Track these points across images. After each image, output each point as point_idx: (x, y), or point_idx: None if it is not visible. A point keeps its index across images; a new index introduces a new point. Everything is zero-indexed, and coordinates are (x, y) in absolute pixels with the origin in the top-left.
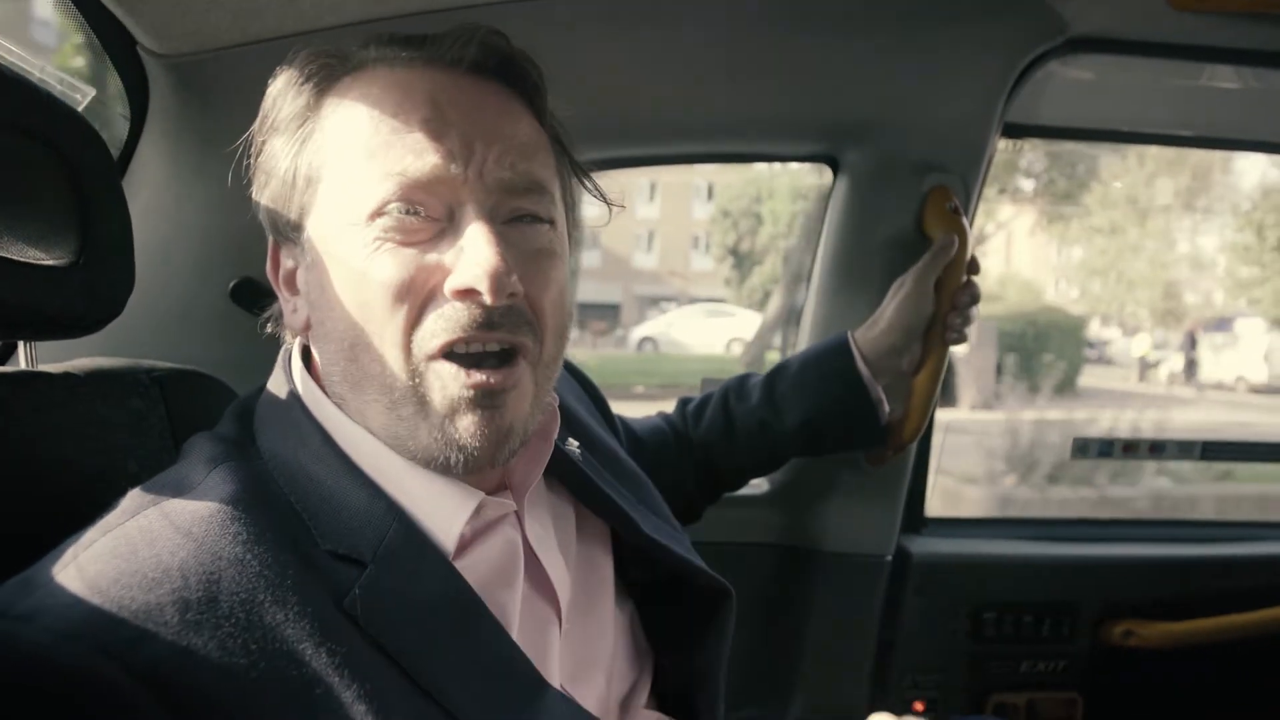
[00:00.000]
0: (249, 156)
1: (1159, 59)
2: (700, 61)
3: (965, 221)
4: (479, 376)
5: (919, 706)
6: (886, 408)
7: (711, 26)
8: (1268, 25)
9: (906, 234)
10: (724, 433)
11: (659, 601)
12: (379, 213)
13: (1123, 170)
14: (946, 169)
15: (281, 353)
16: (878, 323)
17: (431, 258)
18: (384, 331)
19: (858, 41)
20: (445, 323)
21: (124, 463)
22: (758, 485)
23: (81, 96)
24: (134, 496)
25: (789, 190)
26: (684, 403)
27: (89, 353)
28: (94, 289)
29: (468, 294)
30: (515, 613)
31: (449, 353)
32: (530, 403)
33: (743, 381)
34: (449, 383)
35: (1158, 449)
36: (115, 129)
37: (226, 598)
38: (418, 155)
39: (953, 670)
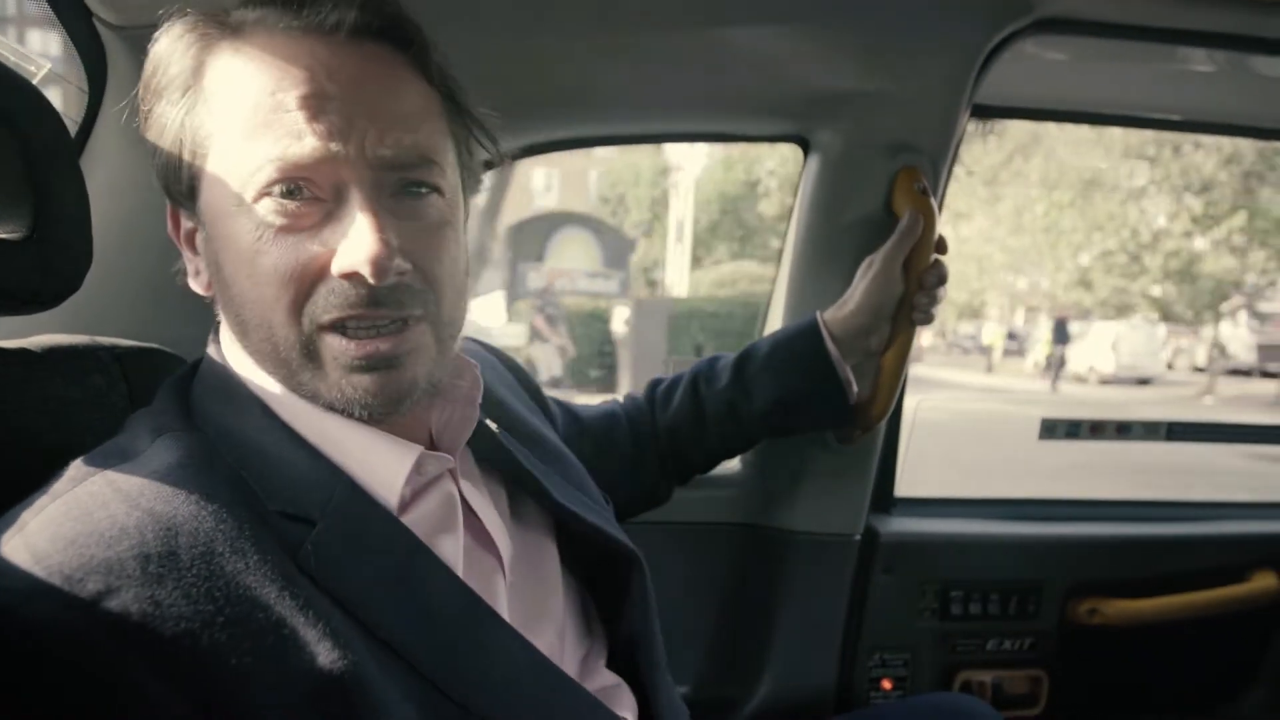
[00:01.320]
0: (136, 119)
1: (1127, 40)
2: (669, 39)
3: (933, 202)
4: (370, 346)
5: (887, 685)
6: (855, 388)
7: (681, 2)
8: (1235, 9)
9: (876, 214)
10: (693, 415)
11: (599, 577)
12: (261, 195)
13: (982, 153)
14: (916, 149)
15: (212, 327)
16: (846, 304)
17: (316, 244)
18: (273, 312)
19: (828, 21)
20: (334, 299)
21: (83, 439)
22: (728, 465)
23: (36, 69)
24: (79, 465)
25: (650, 175)
26: (653, 385)
27: (49, 330)
28: (49, 263)
29: (352, 276)
30: (459, 558)
31: (339, 326)
32: (432, 356)
33: (712, 364)
34: (339, 354)
35: (1124, 429)
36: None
37: (185, 551)
38: (298, 137)
39: (920, 649)
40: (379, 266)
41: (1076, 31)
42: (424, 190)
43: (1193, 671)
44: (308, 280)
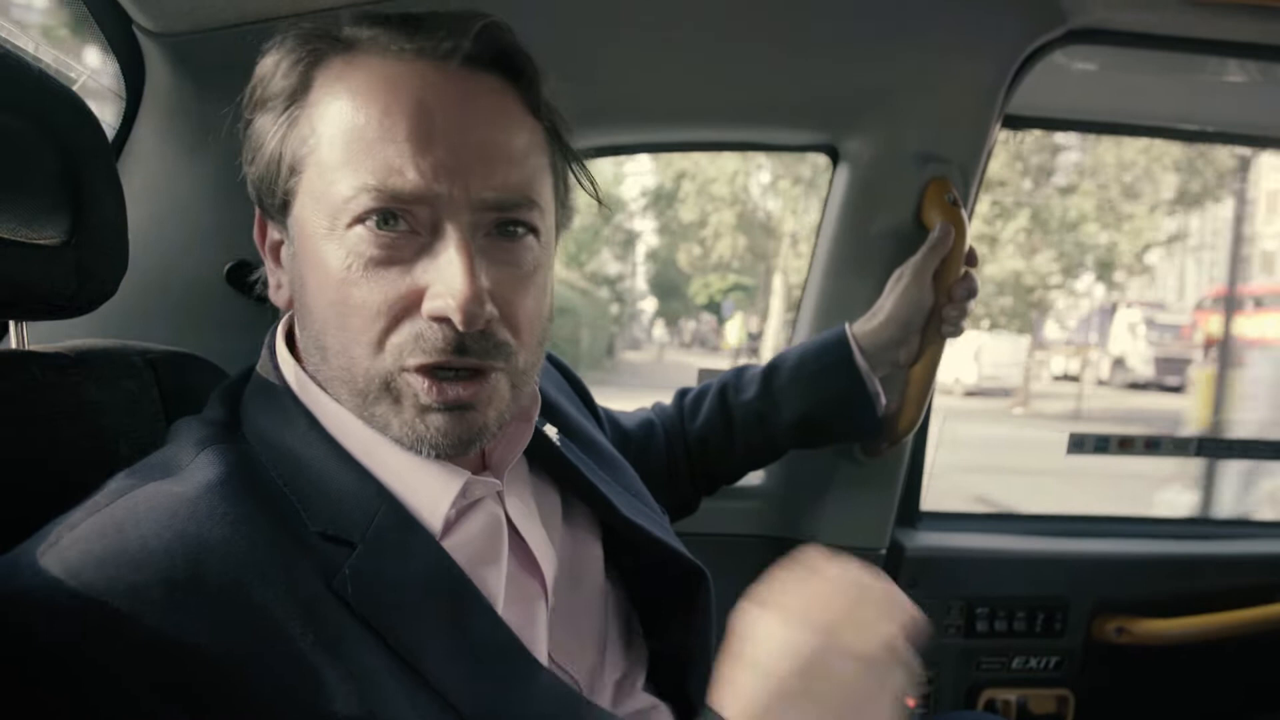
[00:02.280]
0: (238, 126)
1: (1160, 51)
2: (700, 47)
3: (964, 213)
4: (449, 392)
5: (910, 702)
6: (884, 400)
7: (711, 11)
8: (1267, 19)
9: (905, 225)
10: (722, 426)
11: (648, 589)
12: (357, 221)
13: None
14: (946, 160)
15: (268, 335)
16: (876, 315)
17: (408, 280)
18: (357, 344)
19: (859, 30)
20: (419, 344)
21: (115, 444)
22: (753, 478)
23: (76, 75)
24: (121, 478)
25: None
26: (681, 394)
27: (83, 335)
28: (86, 269)
29: (442, 319)
30: (501, 588)
31: (423, 369)
32: (506, 404)
33: (740, 374)
34: (420, 393)
35: (1153, 445)
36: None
37: (213, 578)
38: (401, 171)
39: (945, 666)
40: (469, 314)
41: (1108, 42)
42: (521, 231)
43: (1222, 693)
44: (397, 314)
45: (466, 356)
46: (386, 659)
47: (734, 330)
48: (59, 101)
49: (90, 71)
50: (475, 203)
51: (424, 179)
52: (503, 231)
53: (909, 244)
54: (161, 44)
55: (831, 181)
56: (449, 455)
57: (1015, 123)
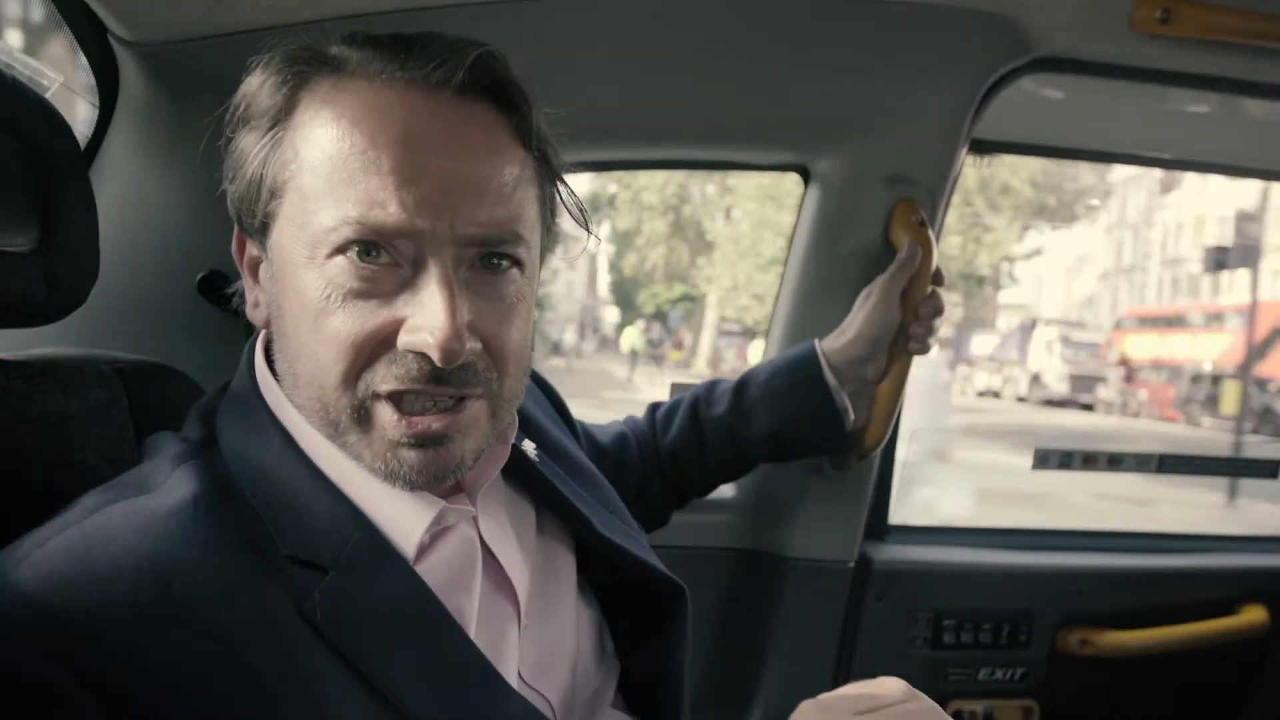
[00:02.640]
0: (219, 141)
1: (1122, 81)
2: (675, 68)
3: (931, 234)
4: (421, 424)
5: None
6: (852, 415)
7: (686, 34)
8: (1226, 52)
9: (874, 244)
10: (693, 439)
11: (621, 603)
12: (338, 252)
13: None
14: (914, 182)
15: (245, 351)
16: (845, 332)
17: (386, 312)
18: (329, 374)
19: (830, 55)
20: (395, 370)
21: (82, 454)
22: (723, 491)
23: (49, 82)
24: (95, 494)
25: None
26: (653, 409)
27: (52, 344)
28: (56, 277)
29: (419, 354)
30: (474, 613)
31: (394, 397)
32: (484, 432)
33: (711, 388)
34: (389, 429)
35: (1116, 461)
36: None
37: (179, 600)
38: (384, 205)
39: (912, 677)
40: (447, 351)
41: (1073, 70)
42: (505, 264)
43: (1182, 703)
44: (372, 346)
45: (443, 385)
46: (353, 685)
47: (628, 338)
48: (30, 109)
49: (63, 80)
50: (459, 238)
51: (407, 214)
52: (486, 265)
53: (877, 263)
54: (137, 53)
55: (803, 201)
56: (422, 486)
57: (982, 147)
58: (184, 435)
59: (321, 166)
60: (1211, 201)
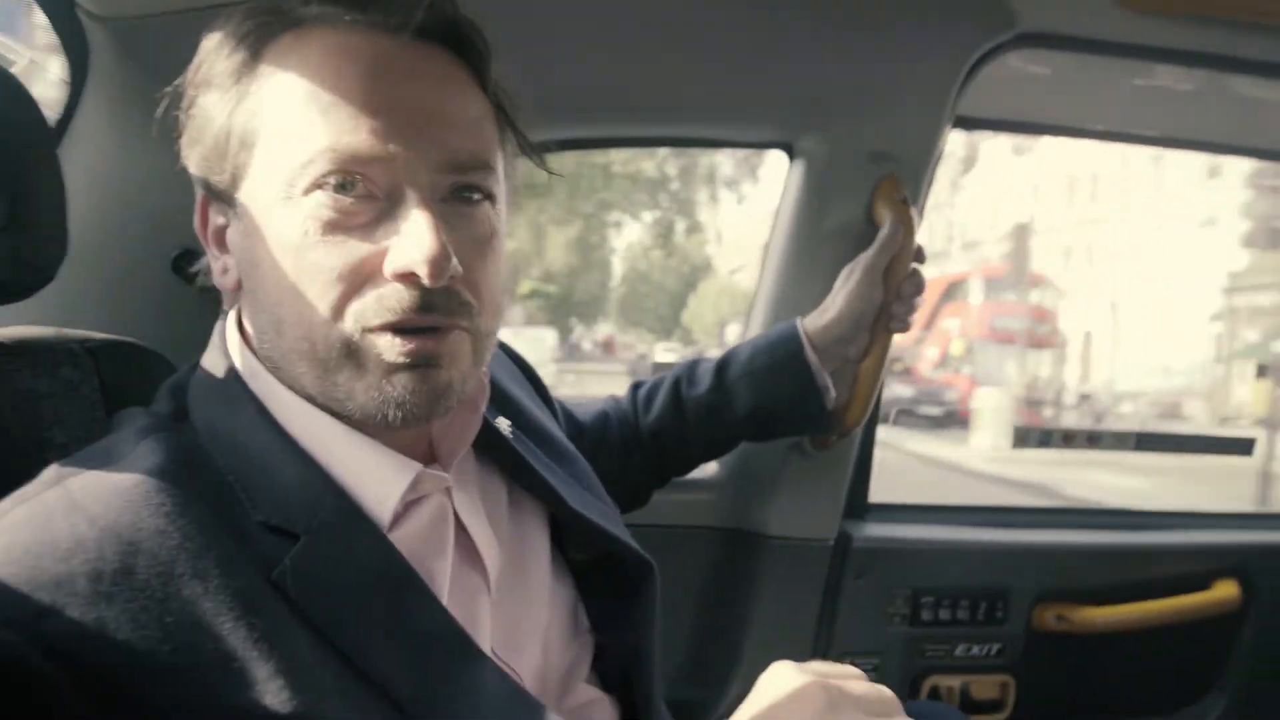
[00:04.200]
0: (178, 109)
1: (1107, 57)
2: (658, 43)
3: (914, 212)
4: (414, 344)
5: None
6: (833, 394)
7: (667, 7)
8: (1212, 28)
9: (857, 222)
10: (674, 419)
11: (596, 581)
12: (314, 187)
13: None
14: (897, 159)
15: (217, 324)
16: (827, 311)
17: (368, 245)
18: (315, 310)
19: (814, 29)
20: (386, 302)
21: (51, 433)
22: (704, 470)
23: (16, 57)
24: (57, 466)
25: None
26: (635, 387)
27: (19, 322)
28: (20, 255)
29: (407, 277)
30: (446, 581)
31: (386, 329)
32: (468, 365)
33: (693, 367)
34: (385, 350)
35: (1095, 439)
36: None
37: (143, 570)
38: (355, 130)
39: (890, 654)
40: (436, 267)
41: (1058, 46)
42: (477, 197)
43: (1156, 677)
44: (357, 280)
45: (431, 314)
46: (324, 653)
47: None
48: None
49: (32, 55)
50: (432, 164)
51: (379, 139)
52: (459, 196)
53: (860, 241)
54: (107, 28)
55: (787, 178)
56: (416, 417)
57: (966, 124)
58: (152, 410)
59: (292, 106)
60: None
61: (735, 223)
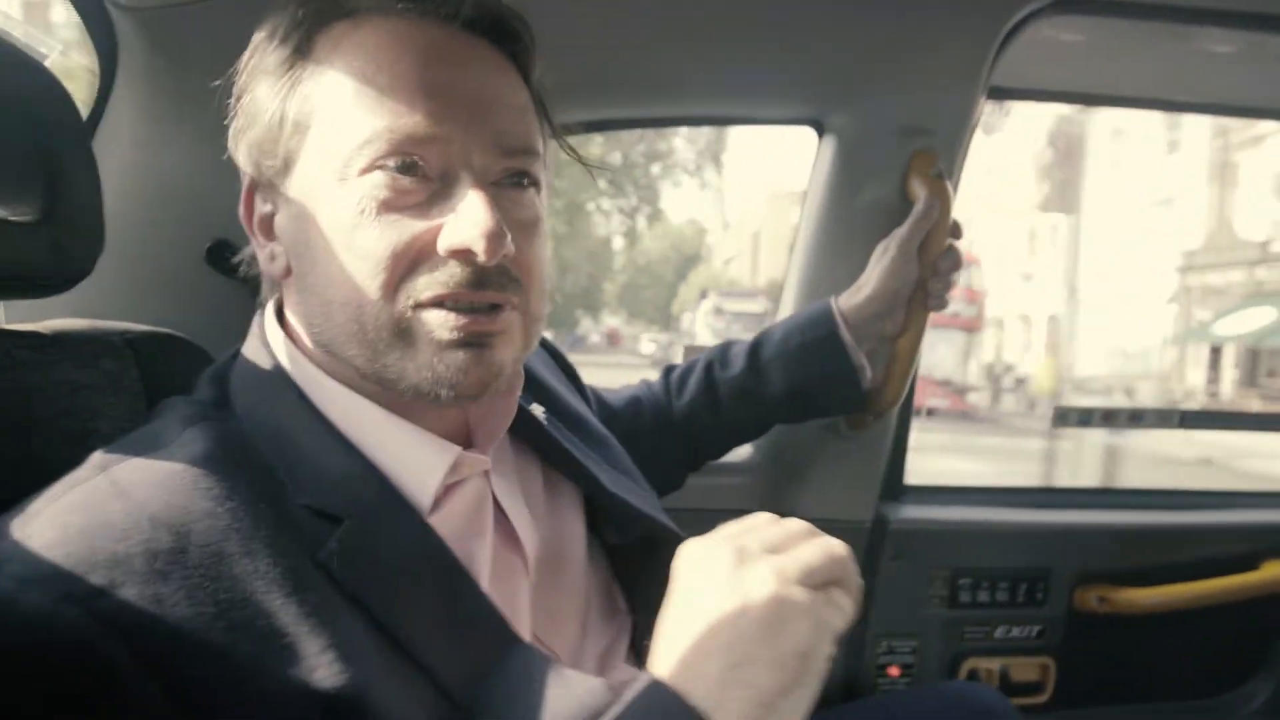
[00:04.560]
0: (229, 99)
1: (1145, 20)
2: (686, 22)
3: (949, 186)
4: (468, 320)
5: (894, 672)
6: (869, 373)
7: None
8: None
9: (890, 198)
10: (708, 402)
11: (633, 563)
12: (371, 168)
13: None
14: (931, 132)
15: (256, 313)
16: (861, 289)
17: (422, 223)
18: (367, 290)
19: (844, 4)
20: (438, 277)
21: (95, 424)
22: (738, 453)
23: (48, 50)
24: (103, 454)
25: None
26: (668, 371)
27: (61, 315)
28: (61, 247)
29: (462, 253)
30: (486, 565)
31: (438, 303)
32: (519, 346)
33: (726, 350)
34: (437, 327)
35: (1137, 418)
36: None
37: (195, 549)
38: (412, 112)
39: (928, 636)
40: (493, 242)
41: (1094, 11)
42: (526, 182)
43: (1200, 659)
44: (411, 258)
45: (485, 290)
46: (370, 632)
47: None
48: (30, 78)
49: (63, 46)
50: (484, 147)
51: (435, 121)
52: (509, 181)
53: (894, 217)
54: (135, 18)
55: (816, 156)
56: (466, 396)
57: (1001, 94)
58: (195, 398)
59: (348, 90)
60: None
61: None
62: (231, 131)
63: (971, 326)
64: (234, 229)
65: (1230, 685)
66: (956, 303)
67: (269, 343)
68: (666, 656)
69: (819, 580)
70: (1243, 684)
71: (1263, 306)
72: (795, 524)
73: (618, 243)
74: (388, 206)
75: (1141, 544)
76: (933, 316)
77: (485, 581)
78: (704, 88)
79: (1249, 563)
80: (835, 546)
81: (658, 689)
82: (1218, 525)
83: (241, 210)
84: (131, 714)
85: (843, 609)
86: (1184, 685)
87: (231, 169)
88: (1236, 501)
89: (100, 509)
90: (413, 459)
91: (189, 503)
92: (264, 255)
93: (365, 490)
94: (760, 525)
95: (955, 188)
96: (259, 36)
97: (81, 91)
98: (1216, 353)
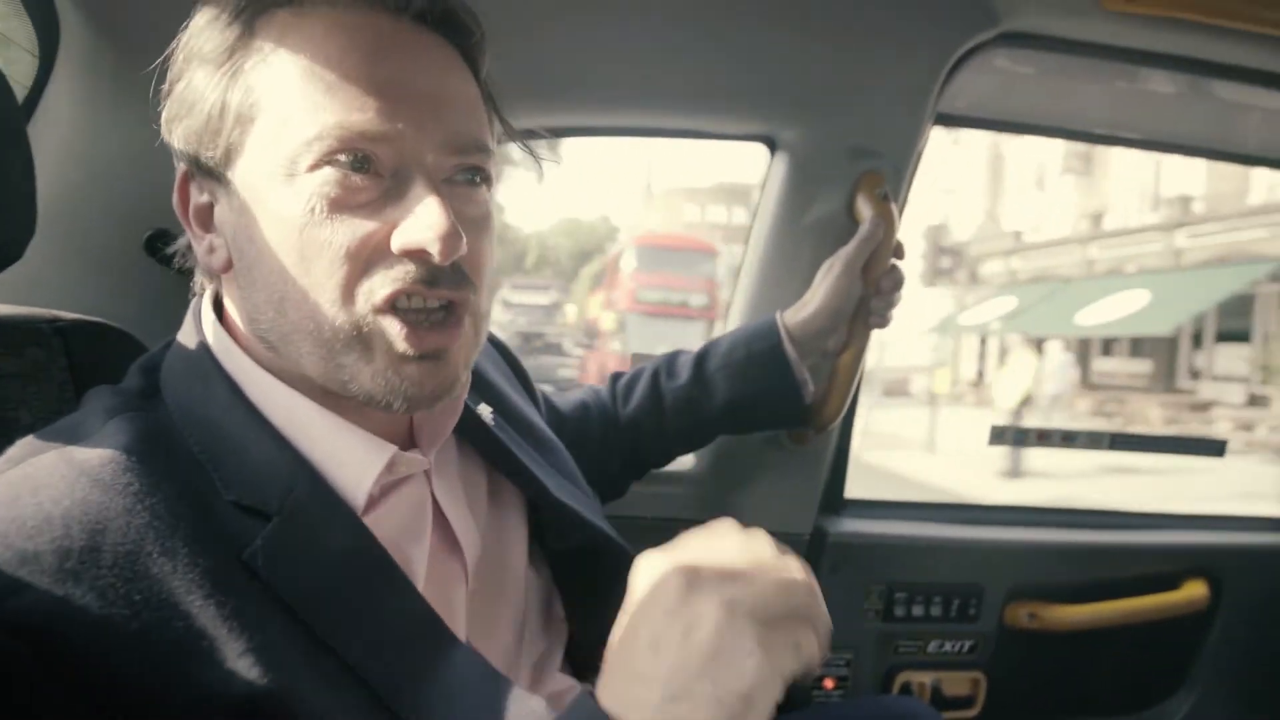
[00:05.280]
0: (162, 84)
1: (1089, 58)
2: (638, 31)
3: (894, 208)
4: (426, 340)
5: (829, 684)
6: (811, 388)
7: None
8: (1194, 33)
9: (837, 217)
10: (653, 410)
11: (572, 570)
12: (320, 164)
13: None
14: (879, 155)
15: (192, 304)
16: (806, 305)
17: (375, 222)
18: (324, 289)
19: (799, 22)
20: (391, 275)
21: (17, 413)
22: (681, 463)
23: None
24: (23, 444)
25: None
26: (615, 378)
27: None
28: None
29: (416, 253)
30: (422, 568)
31: (394, 306)
32: (471, 350)
33: (673, 359)
34: (395, 341)
35: (1069, 438)
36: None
37: (110, 548)
38: (363, 109)
39: (863, 649)
40: (448, 244)
41: (1040, 46)
42: (478, 179)
43: (1126, 675)
44: (365, 257)
45: (438, 287)
46: (296, 633)
47: None
48: None
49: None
50: (438, 145)
51: (387, 118)
52: (462, 179)
53: (840, 236)
54: (77, 3)
55: (768, 172)
56: (419, 406)
57: (948, 121)
58: (121, 388)
59: (295, 83)
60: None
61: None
62: (164, 118)
63: (707, 315)
64: (175, 219)
65: (1154, 700)
66: (694, 293)
67: (204, 333)
68: (610, 678)
69: (775, 615)
70: (1165, 699)
71: (1006, 297)
72: (761, 545)
73: None
74: (339, 205)
75: (1070, 562)
76: (668, 308)
77: (421, 585)
78: (657, 100)
79: (1171, 581)
80: (798, 578)
81: (589, 710)
82: (1142, 545)
83: (175, 199)
84: (33, 715)
85: (801, 649)
86: (1110, 701)
87: (174, 158)
88: (1160, 523)
89: (12, 504)
90: (347, 456)
91: (106, 499)
92: (202, 247)
93: (296, 486)
94: (723, 543)
95: (900, 210)
96: (196, 21)
97: (19, 74)
98: (984, 343)
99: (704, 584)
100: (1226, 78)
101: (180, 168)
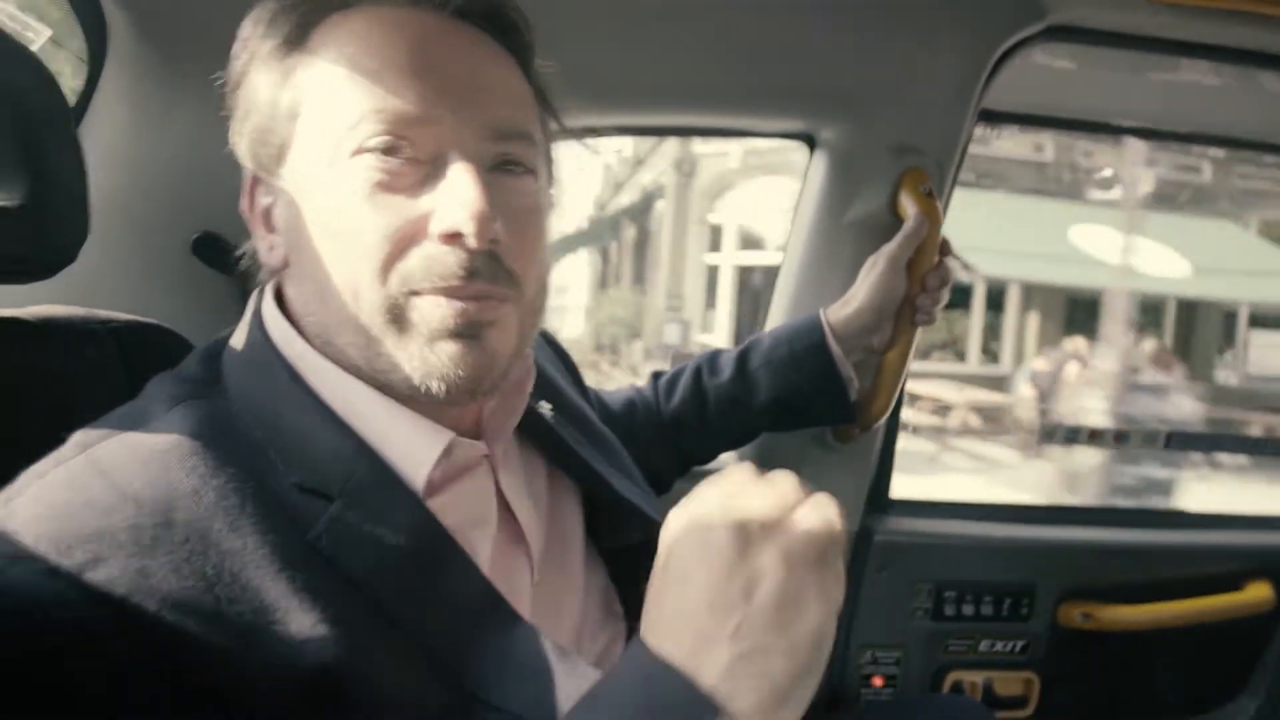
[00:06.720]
0: (219, 85)
1: (1136, 51)
2: (678, 30)
3: (938, 205)
4: (460, 305)
5: (878, 682)
6: (856, 385)
7: None
8: (1241, 23)
9: (880, 214)
10: (696, 408)
11: (630, 566)
12: (361, 150)
13: None
14: (922, 151)
15: (252, 297)
16: (850, 302)
17: (413, 205)
18: (361, 272)
19: (840, 19)
20: (430, 266)
21: (79, 411)
22: (725, 460)
23: (35, 35)
24: (87, 431)
25: None
26: (656, 376)
27: (44, 303)
28: (44, 233)
29: (452, 238)
30: (486, 557)
31: (431, 292)
32: (514, 340)
33: (715, 357)
34: (429, 312)
35: (1122, 437)
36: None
37: (181, 525)
38: (403, 93)
39: (912, 648)
40: (482, 226)
41: (1086, 40)
42: (519, 169)
43: (1183, 679)
44: (402, 241)
45: (476, 280)
46: (362, 610)
47: None
48: (15, 62)
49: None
50: (476, 128)
51: (425, 102)
52: (502, 168)
53: (883, 233)
54: (125, 6)
55: (808, 170)
56: (459, 390)
57: (992, 117)
58: (182, 376)
59: (338, 76)
60: None
61: None
62: (232, 125)
63: None
64: (222, 222)
65: (1214, 704)
66: None
67: (264, 323)
68: (669, 647)
69: (823, 552)
70: (1226, 703)
71: None
72: (786, 483)
73: None
74: (378, 188)
75: (1126, 562)
76: None
77: (486, 569)
78: (697, 98)
79: (1233, 582)
80: (829, 509)
81: (664, 672)
82: (1202, 545)
83: (244, 203)
84: (119, 686)
85: (841, 577)
86: (1168, 703)
87: (220, 161)
88: (1221, 523)
89: (84, 488)
90: (406, 442)
91: (173, 480)
92: (264, 245)
93: (357, 470)
94: (750, 487)
95: (945, 207)
96: (251, 25)
97: (70, 79)
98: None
99: (754, 538)
100: (1272, 68)
101: (248, 171)
